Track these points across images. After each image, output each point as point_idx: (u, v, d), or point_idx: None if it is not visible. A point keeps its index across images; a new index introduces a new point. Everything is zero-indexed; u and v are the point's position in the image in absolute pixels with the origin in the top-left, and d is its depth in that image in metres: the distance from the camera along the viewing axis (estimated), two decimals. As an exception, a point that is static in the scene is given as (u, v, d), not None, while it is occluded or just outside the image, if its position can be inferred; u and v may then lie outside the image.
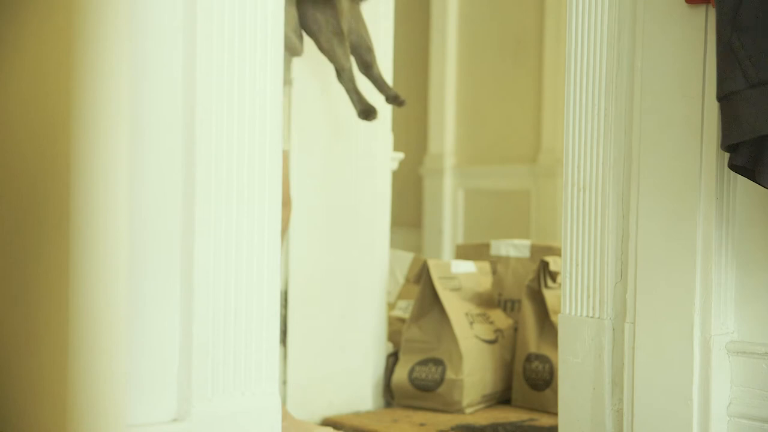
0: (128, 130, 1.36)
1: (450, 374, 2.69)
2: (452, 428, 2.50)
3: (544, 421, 2.57)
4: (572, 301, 2.02)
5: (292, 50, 2.26)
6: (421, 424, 2.51)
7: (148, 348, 1.51)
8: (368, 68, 2.41)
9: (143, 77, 1.49)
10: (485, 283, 2.95)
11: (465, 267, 2.91)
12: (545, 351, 2.70)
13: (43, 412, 1.36)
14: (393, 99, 2.41)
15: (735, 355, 1.85)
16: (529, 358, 2.73)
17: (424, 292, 2.80)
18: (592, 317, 1.99)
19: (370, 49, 2.39)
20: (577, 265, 2.02)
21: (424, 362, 2.74)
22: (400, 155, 2.90)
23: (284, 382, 2.55)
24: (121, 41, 1.33)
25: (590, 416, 1.98)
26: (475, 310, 2.84)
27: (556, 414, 2.08)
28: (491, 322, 2.85)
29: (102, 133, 1.32)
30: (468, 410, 2.68)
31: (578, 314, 2.01)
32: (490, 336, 2.81)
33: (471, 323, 2.78)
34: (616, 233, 1.97)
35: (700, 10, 1.83)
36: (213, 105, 1.55)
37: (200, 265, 1.55)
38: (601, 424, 1.97)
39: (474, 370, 2.71)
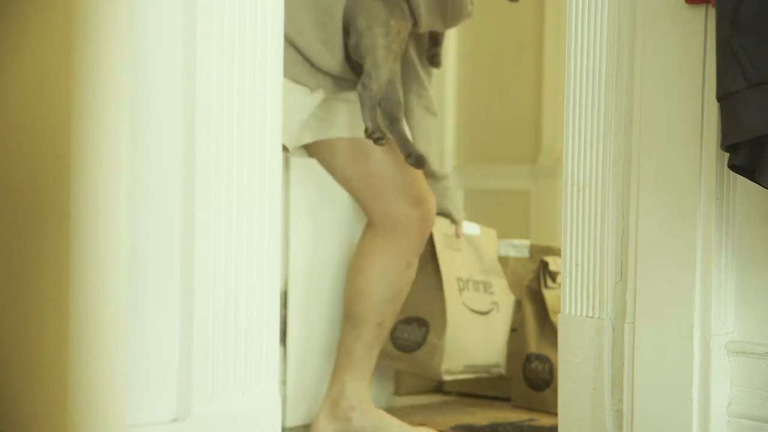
0: (128, 130, 1.37)
1: (432, 337, 2.58)
2: (452, 428, 2.50)
3: (544, 421, 2.57)
4: (572, 301, 2.02)
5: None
6: (421, 424, 2.51)
7: (148, 348, 1.51)
8: (394, 123, 2.29)
9: (143, 77, 1.49)
10: (490, 250, 2.82)
11: (468, 229, 2.76)
12: (545, 351, 2.70)
13: (43, 412, 1.36)
14: (415, 159, 2.25)
15: (735, 355, 1.85)
16: (529, 358, 2.73)
17: None
18: (592, 317, 2.00)
19: (400, 105, 2.29)
20: (576, 265, 2.02)
21: (407, 321, 2.63)
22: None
23: (284, 382, 2.55)
24: (121, 41, 1.33)
25: (590, 416, 1.98)
26: (473, 276, 2.72)
27: (556, 414, 2.08)
28: (491, 292, 2.73)
29: (102, 133, 1.32)
30: (446, 377, 2.59)
31: (578, 314, 2.01)
32: (482, 306, 2.70)
33: (461, 289, 2.66)
34: (616, 233, 1.97)
35: (700, 10, 1.83)
36: (213, 105, 1.55)
37: (200, 265, 1.55)
38: (601, 424, 1.97)
39: (457, 337, 2.60)
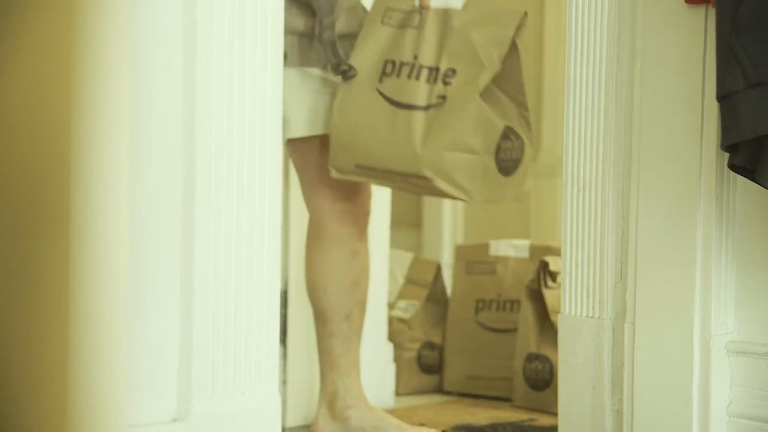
0: (128, 130, 1.37)
1: None
2: (452, 428, 2.50)
3: (544, 421, 2.57)
4: (572, 301, 2.02)
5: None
6: (421, 424, 2.51)
7: (148, 348, 1.51)
8: (323, 30, 2.13)
9: (143, 77, 1.49)
10: (484, 28, 2.22)
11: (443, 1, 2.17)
12: (545, 351, 2.70)
13: (43, 412, 1.36)
14: (340, 68, 2.10)
15: (735, 355, 1.85)
16: (529, 358, 2.73)
17: None
18: (592, 317, 2.00)
19: (331, 9, 2.14)
20: (576, 264, 2.02)
21: None
22: (400, 155, 2.89)
23: (284, 382, 2.55)
24: (121, 41, 1.33)
25: (590, 416, 1.98)
26: (427, 59, 2.12)
27: (556, 414, 2.08)
28: (447, 83, 2.10)
29: (102, 133, 1.32)
30: (334, 174, 2.15)
31: (578, 314, 2.01)
32: (411, 98, 2.08)
33: (386, 74, 2.14)
34: (616, 233, 1.97)
35: (700, 10, 1.83)
36: (213, 105, 1.56)
37: (200, 265, 1.55)
38: (601, 424, 1.97)
39: (352, 127, 2.12)
